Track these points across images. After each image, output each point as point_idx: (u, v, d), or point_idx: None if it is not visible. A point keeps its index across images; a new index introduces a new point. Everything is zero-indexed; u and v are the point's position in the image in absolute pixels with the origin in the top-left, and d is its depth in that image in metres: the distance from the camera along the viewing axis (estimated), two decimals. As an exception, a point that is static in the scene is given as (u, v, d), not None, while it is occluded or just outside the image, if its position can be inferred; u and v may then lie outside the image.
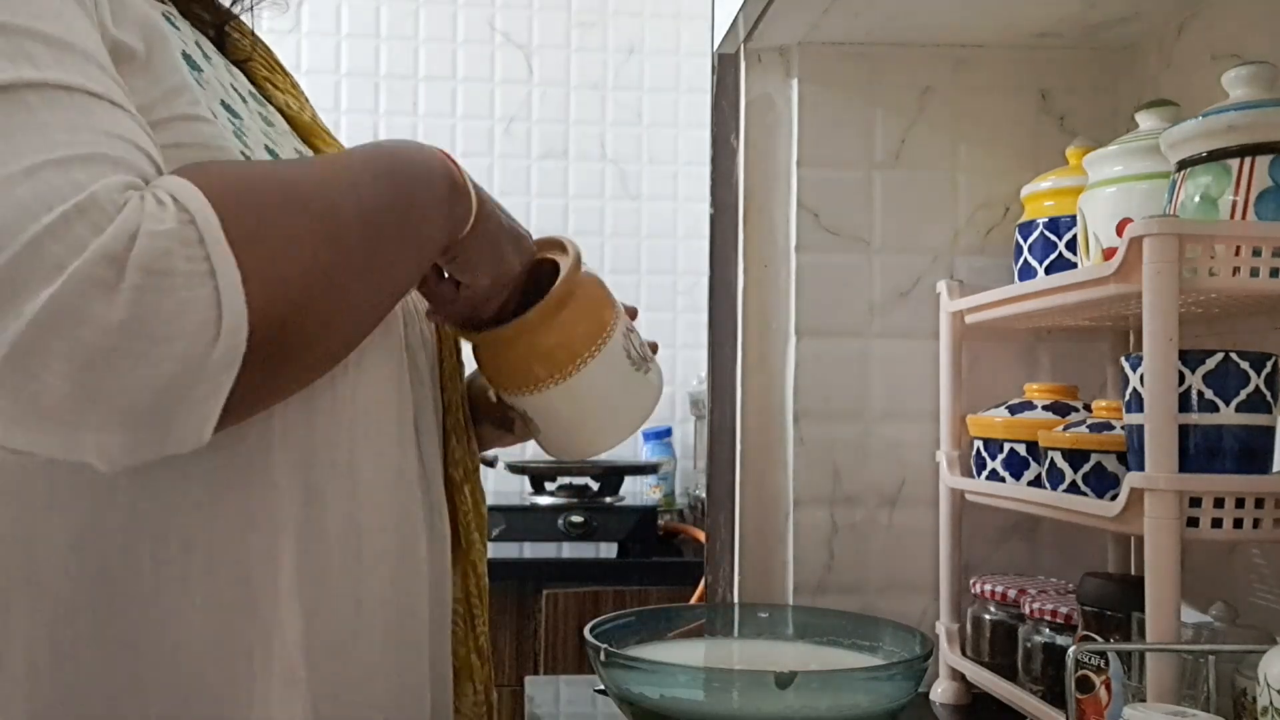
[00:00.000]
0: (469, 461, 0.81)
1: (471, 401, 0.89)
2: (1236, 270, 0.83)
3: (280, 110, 0.75)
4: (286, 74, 0.82)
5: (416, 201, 0.64)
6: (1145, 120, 1.03)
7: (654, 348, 0.87)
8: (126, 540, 0.59)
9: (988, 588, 1.16)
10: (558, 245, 0.81)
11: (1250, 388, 0.84)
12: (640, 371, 0.81)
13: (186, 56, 0.67)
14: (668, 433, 2.48)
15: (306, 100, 0.82)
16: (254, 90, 0.75)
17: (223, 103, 0.68)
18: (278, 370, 0.56)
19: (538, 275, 0.78)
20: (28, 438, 0.50)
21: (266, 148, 0.69)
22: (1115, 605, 0.94)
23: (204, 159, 0.61)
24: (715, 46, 1.36)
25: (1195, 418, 0.84)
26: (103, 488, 0.59)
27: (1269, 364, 0.85)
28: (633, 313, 0.86)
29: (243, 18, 0.80)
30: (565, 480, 2.26)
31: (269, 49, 0.82)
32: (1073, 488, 0.98)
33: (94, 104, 0.53)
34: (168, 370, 0.49)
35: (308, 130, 0.76)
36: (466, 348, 0.82)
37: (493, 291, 0.74)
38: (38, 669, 0.59)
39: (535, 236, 0.81)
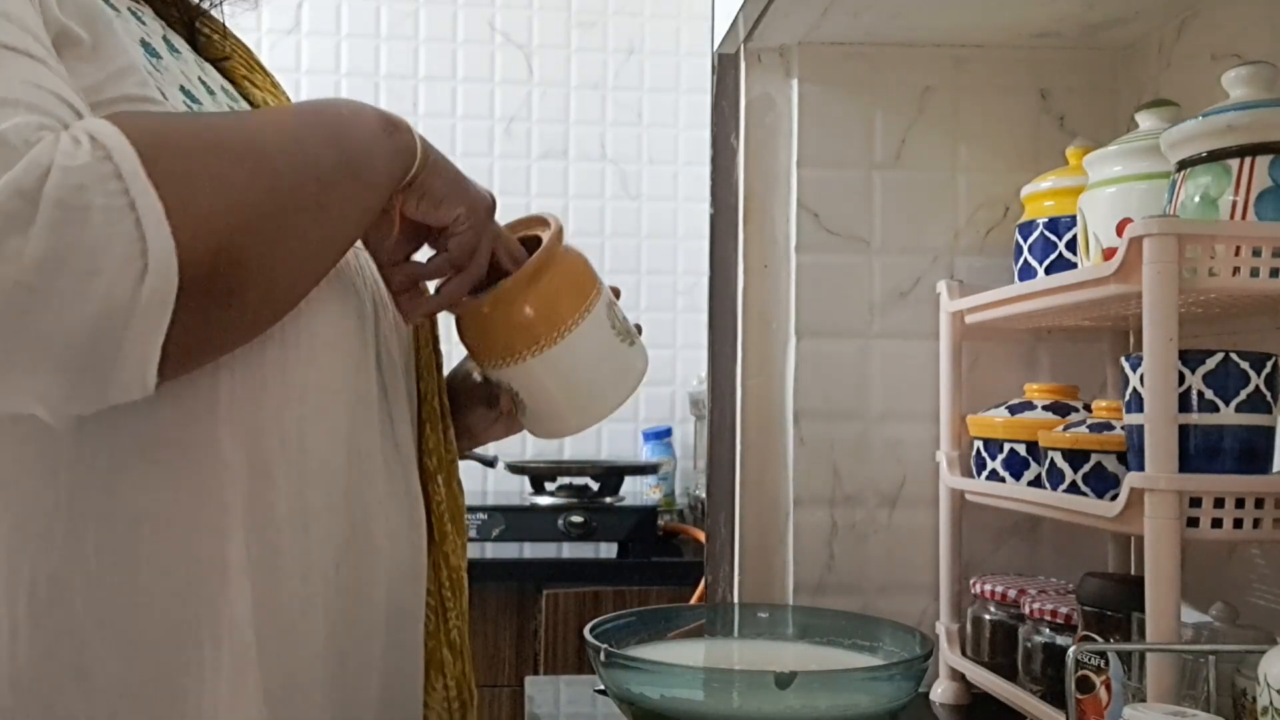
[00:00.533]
0: (444, 452, 0.80)
1: (458, 386, 0.89)
2: (1236, 270, 0.83)
3: (258, 106, 0.75)
4: (267, 74, 0.82)
5: (350, 134, 0.63)
6: (1145, 120, 1.03)
7: (638, 328, 0.86)
8: (71, 518, 0.59)
9: (988, 588, 1.16)
10: (540, 221, 0.81)
11: (1250, 388, 0.84)
12: (624, 343, 0.80)
13: (145, 44, 0.67)
14: (668, 433, 2.48)
15: (287, 99, 0.81)
16: (228, 86, 0.76)
17: (181, 88, 0.67)
18: (218, 310, 0.55)
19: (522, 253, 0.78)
20: None
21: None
22: (1115, 605, 0.94)
23: None
24: (715, 46, 1.36)
25: (1195, 418, 0.84)
26: (45, 465, 0.59)
27: (1269, 364, 0.85)
28: (615, 293, 0.84)
29: (214, 14, 0.80)
30: (565, 480, 2.26)
31: (248, 49, 0.82)
32: (1073, 488, 0.98)
33: (8, 56, 0.53)
34: (95, 307, 0.48)
35: None
36: (444, 340, 0.82)
37: (474, 225, 0.72)
38: None
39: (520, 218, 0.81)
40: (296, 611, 0.65)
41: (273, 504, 0.64)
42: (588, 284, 0.77)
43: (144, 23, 0.70)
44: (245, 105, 0.75)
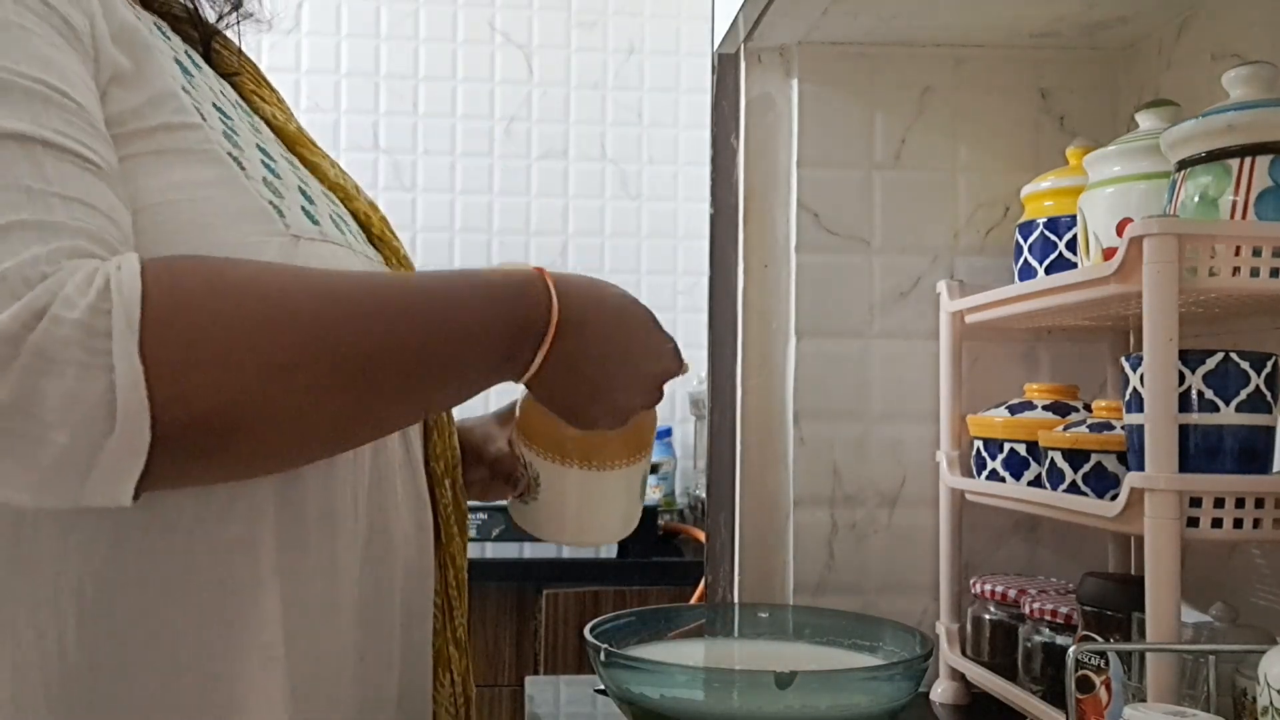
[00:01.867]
0: (450, 456, 0.82)
1: (478, 442, 0.91)
2: (1236, 270, 0.83)
3: (267, 121, 0.76)
4: (273, 89, 0.83)
5: (451, 339, 0.63)
6: (1145, 120, 1.03)
7: None
8: (114, 525, 0.60)
9: (988, 588, 1.16)
10: None
11: (1250, 388, 0.84)
12: (638, 502, 0.87)
13: (177, 63, 0.68)
14: (668, 433, 2.48)
15: (292, 113, 0.82)
16: (241, 103, 0.76)
17: (214, 105, 0.69)
18: (203, 460, 0.56)
19: None
20: None
21: (258, 146, 0.70)
22: (1115, 605, 0.94)
23: (185, 164, 0.62)
24: (715, 46, 1.36)
25: (1195, 418, 0.84)
26: None
27: (1269, 364, 0.85)
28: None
29: (228, 34, 0.81)
30: (565, 480, 2.26)
31: (255, 64, 0.83)
32: (1073, 488, 0.98)
33: (31, 155, 0.53)
34: (56, 453, 0.50)
35: (293, 140, 0.76)
36: None
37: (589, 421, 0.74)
38: (24, 658, 0.59)
39: None
40: (323, 609, 0.67)
41: (302, 504, 0.65)
42: (649, 440, 0.84)
43: (168, 38, 0.71)
44: (258, 121, 0.75)
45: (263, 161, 0.69)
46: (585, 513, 0.84)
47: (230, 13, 0.80)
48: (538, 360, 0.65)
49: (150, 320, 0.51)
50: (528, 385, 0.68)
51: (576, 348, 0.67)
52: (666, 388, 0.76)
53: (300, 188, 0.71)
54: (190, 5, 0.76)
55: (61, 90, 0.57)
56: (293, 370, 0.56)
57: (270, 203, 0.66)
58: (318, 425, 0.59)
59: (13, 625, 0.59)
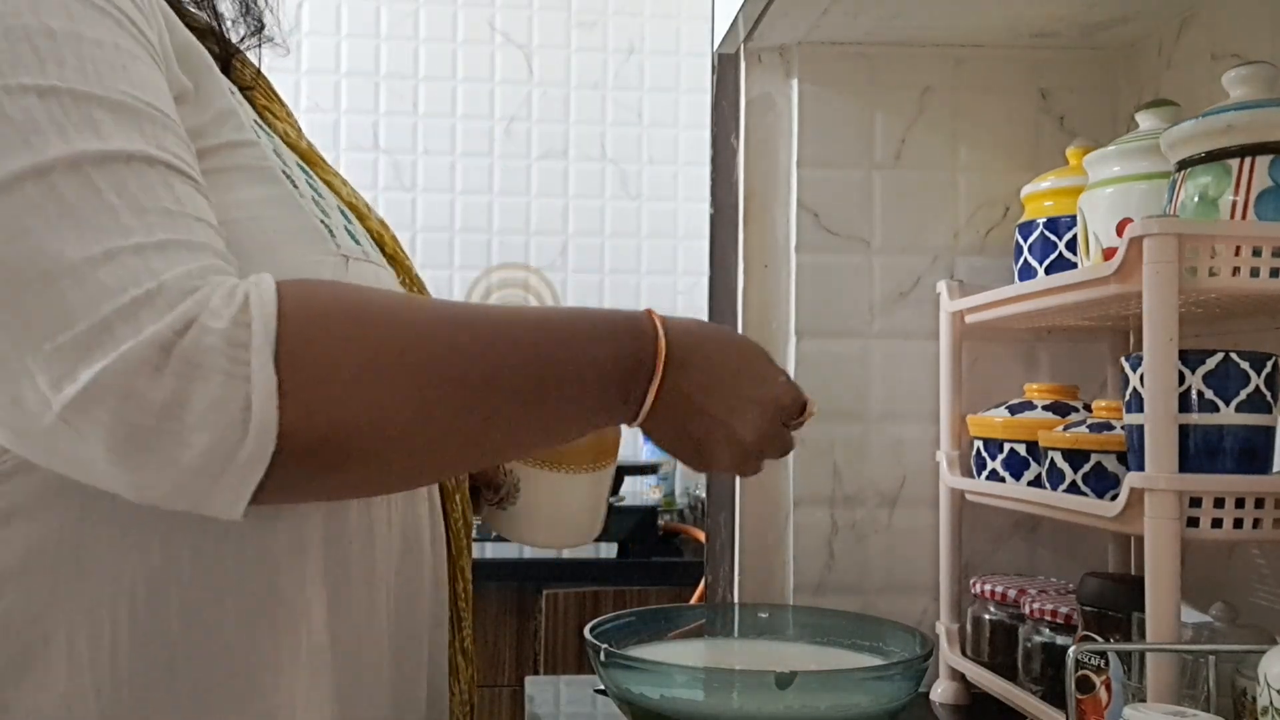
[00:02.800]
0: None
1: None
2: (1236, 270, 0.83)
3: (280, 138, 0.77)
4: (283, 104, 0.84)
5: (566, 372, 0.63)
6: (1145, 120, 1.03)
7: None
8: (168, 529, 0.61)
9: (988, 588, 1.16)
10: None
11: (1250, 388, 0.84)
12: (604, 507, 0.92)
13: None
14: (668, 433, 2.48)
15: (302, 130, 0.83)
16: (258, 119, 0.77)
17: (255, 122, 0.70)
18: (317, 478, 0.57)
19: None
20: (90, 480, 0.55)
21: (298, 165, 0.72)
22: (1115, 605, 0.94)
23: (247, 183, 0.64)
24: (715, 46, 1.36)
25: (1195, 418, 0.84)
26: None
27: (1269, 364, 0.85)
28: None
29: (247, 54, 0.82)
30: (565, 480, 2.26)
31: (268, 80, 0.84)
32: (1073, 488, 0.98)
33: (162, 177, 0.56)
34: (196, 455, 0.53)
35: (306, 158, 0.77)
36: None
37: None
38: (77, 659, 0.60)
39: None
40: (364, 615, 0.68)
41: (346, 514, 0.67)
42: (616, 445, 0.89)
43: None
44: (273, 137, 0.76)
45: (307, 181, 0.71)
46: (562, 514, 0.88)
47: (253, 34, 0.81)
48: (650, 396, 0.65)
49: (285, 335, 0.54)
50: (645, 429, 0.68)
51: (685, 380, 0.67)
52: None
53: (339, 207, 0.72)
54: (215, 25, 0.77)
55: (165, 112, 0.59)
56: (417, 393, 0.58)
57: (321, 222, 0.68)
58: (436, 449, 0.61)
59: (68, 626, 0.60)
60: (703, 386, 0.68)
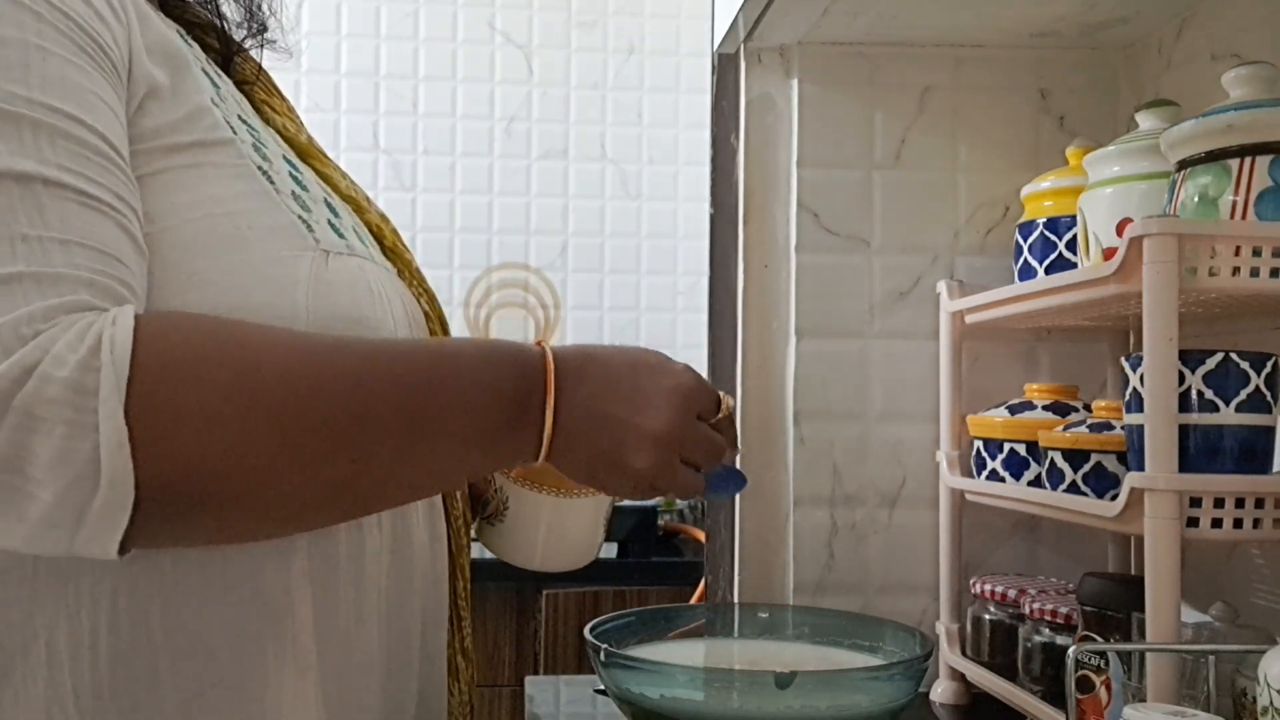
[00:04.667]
0: None
1: None
2: (1236, 270, 0.83)
3: (279, 132, 0.76)
4: (284, 98, 0.83)
5: (449, 399, 0.60)
6: (1145, 120, 1.03)
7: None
8: None
9: (988, 588, 1.16)
10: None
11: (1250, 388, 0.84)
12: (601, 534, 0.90)
13: (205, 73, 0.69)
14: (668, 433, 2.48)
15: (302, 124, 0.83)
16: (253, 115, 0.77)
17: (239, 117, 0.69)
18: (186, 523, 0.55)
19: None
20: None
21: (285, 159, 0.71)
22: (1115, 605, 0.94)
23: (219, 180, 0.63)
24: (715, 46, 1.36)
25: (1195, 418, 0.84)
26: None
27: (1269, 364, 0.85)
28: None
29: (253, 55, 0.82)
30: (565, 480, 2.26)
31: (269, 75, 0.84)
32: (1073, 488, 0.98)
33: (31, 197, 0.52)
34: (43, 508, 0.50)
35: (304, 152, 0.77)
36: None
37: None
38: (59, 662, 0.59)
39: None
40: (353, 620, 0.67)
41: None
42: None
43: (190, 46, 0.71)
44: (271, 132, 0.76)
45: (290, 175, 0.70)
46: (553, 538, 0.86)
47: (255, 35, 0.81)
48: (548, 415, 0.63)
49: (138, 380, 0.51)
50: (554, 461, 0.65)
51: (581, 389, 0.64)
52: None
53: (325, 200, 0.71)
54: (217, 23, 0.77)
55: (76, 118, 0.56)
56: (277, 436, 0.55)
57: (300, 217, 0.67)
58: (306, 493, 0.58)
59: (49, 632, 0.59)
60: (599, 393, 0.65)
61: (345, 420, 0.57)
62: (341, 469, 0.57)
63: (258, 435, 0.54)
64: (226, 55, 0.77)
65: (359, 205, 0.77)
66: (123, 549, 0.53)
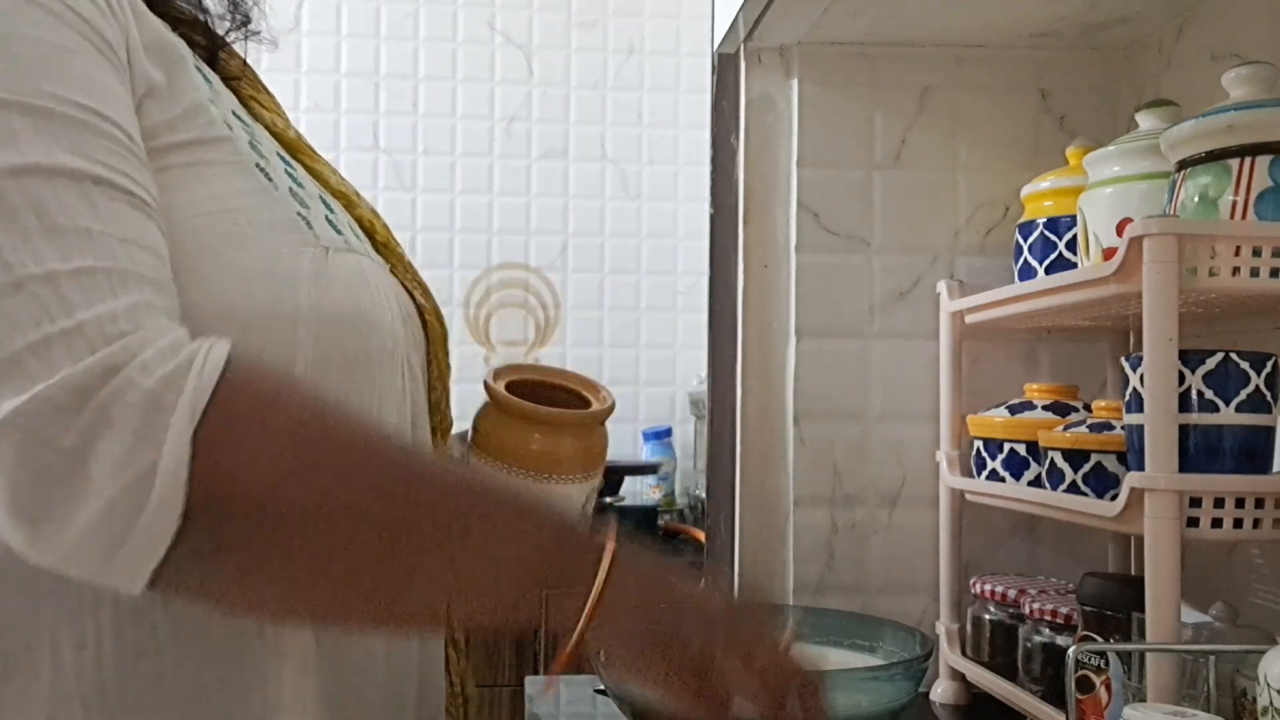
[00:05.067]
0: None
1: None
2: (1236, 270, 0.83)
3: (267, 128, 0.76)
4: (270, 94, 0.83)
5: (484, 561, 0.56)
6: (1145, 120, 1.03)
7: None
8: None
9: (988, 588, 1.16)
10: (593, 386, 0.87)
11: (1250, 388, 0.84)
12: (587, 518, 0.88)
13: (198, 70, 0.69)
14: (668, 433, 2.48)
15: (289, 120, 0.83)
16: (237, 109, 0.77)
17: (233, 113, 0.69)
18: (223, 563, 0.53)
19: (566, 399, 0.85)
20: None
21: (279, 154, 0.71)
22: (1115, 605, 0.94)
23: (218, 177, 0.63)
24: (715, 46, 1.36)
25: (1195, 418, 0.84)
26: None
27: (1269, 364, 0.85)
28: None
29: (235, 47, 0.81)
30: (565, 480, 2.26)
31: (254, 70, 0.83)
32: (1073, 488, 0.98)
33: (85, 194, 0.53)
34: (90, 514, 0.49)
35: (294, 147, 0.77)
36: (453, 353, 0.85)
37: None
38: (62, 667, 0.59)
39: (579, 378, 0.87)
40: None
41: None
42: (599, 464, 0.85)
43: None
44: (259, 128, 0.75)
45: (286, 171, 0.69)
46: None
47: (238, 28, 0.80)
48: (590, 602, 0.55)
49: (214, 412, 0.51)
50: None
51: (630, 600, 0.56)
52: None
53: (321, 196, 0.71)
54: (202, 18, 0.76)
55: (105, 115, 0.56)
56: (323, 501, 0.54)
57: (299, 214, 0.66)
58: (322, 577, 0.56)
59: (51, 632, 0.59)
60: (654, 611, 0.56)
61: (376, 529, 0.55)
62: (358, 564, 0.55)
63: (306, 495, 0.53)
64: (212, 50, 0.77)
65: (350, 200, 0.76)
66: (151, 581, 0.52)
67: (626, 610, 0.56)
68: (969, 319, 1.21)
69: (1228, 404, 0.84)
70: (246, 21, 0.81)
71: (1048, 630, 1.06)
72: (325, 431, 0.55)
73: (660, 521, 2.20)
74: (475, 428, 0.85)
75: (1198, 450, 0.84)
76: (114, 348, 0.50)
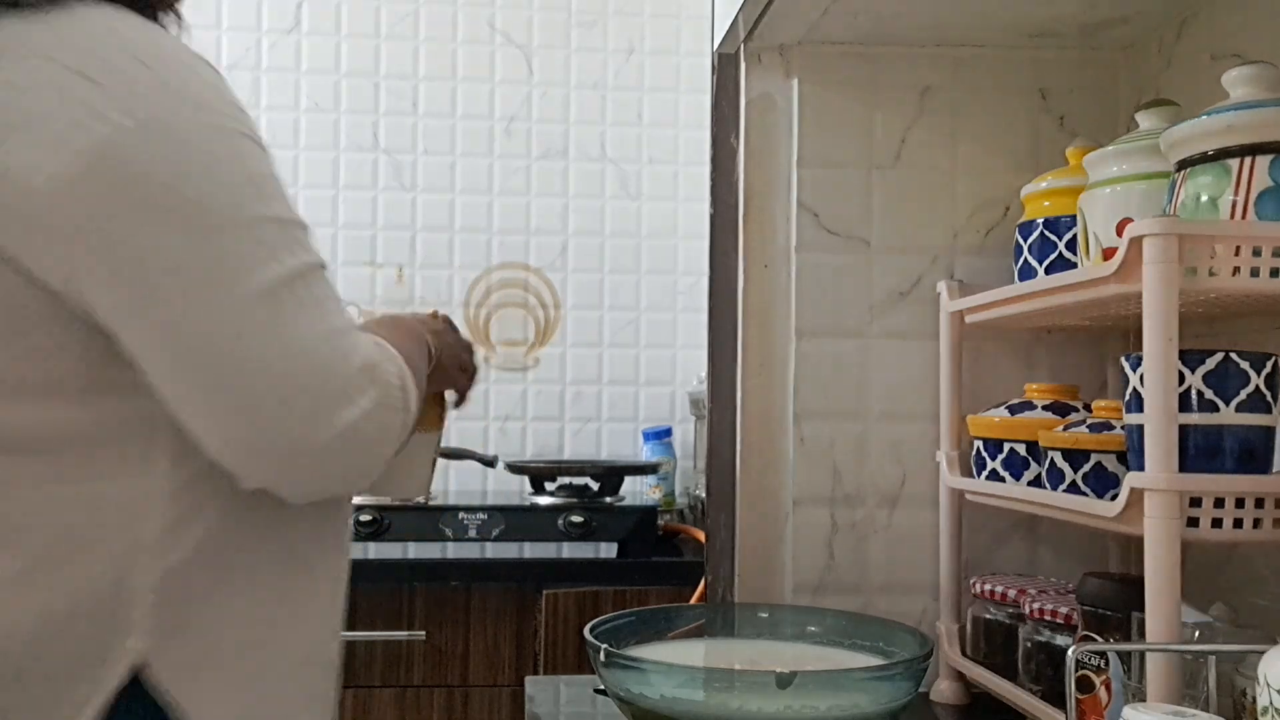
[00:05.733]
0: None
1: None
2: (1236, 270, 0.83)
3: None
4: None
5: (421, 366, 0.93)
6: (1145, 120, 1.03)
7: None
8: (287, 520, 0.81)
9: (988, 588, 1.16)
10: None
11: (1250, 388, 0.84)
12: (430, 467, 1.09)
13: None
14: (668, 433, 2.48)
15: None
16: None
17: None
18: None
19: None
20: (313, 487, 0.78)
21: None
22: (1115, 605, 0.94)
23: None
24: (715, 46, 1.36)
25: (1195, 418, 0.84)
26: (230, 504, 0.78)
27: (1269, 364, 0.85)
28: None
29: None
30: (565, 480, 2.26)
31: None
32: (1073, 488, 0.98)
33: (328, 276, 0.77)
34: (399, 434, 0.80)
35: None
36: None
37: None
38: (142, 534, 0.73)
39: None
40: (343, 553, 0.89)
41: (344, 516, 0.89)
42: (444, 414, 1.10)
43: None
44: None
45: None
46: (409, 469, 1.05)
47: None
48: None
49: (406, 391, 0.82)
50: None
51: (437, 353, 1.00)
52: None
53: None
54: None
55: (305, 226, 0.77)
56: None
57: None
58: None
59: (147, 500, 0.73)
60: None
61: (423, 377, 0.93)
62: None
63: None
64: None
65: None
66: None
67: (443, 355, 1.00)
68: (969, 319, 1.21)
69: (1228, 404, 0.84)
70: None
71: (1047, 630, 1.06)
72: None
73: (660, 521, 2.20)
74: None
75: (1198, 450, 0.84)
76: (379, 370, 0.78)
